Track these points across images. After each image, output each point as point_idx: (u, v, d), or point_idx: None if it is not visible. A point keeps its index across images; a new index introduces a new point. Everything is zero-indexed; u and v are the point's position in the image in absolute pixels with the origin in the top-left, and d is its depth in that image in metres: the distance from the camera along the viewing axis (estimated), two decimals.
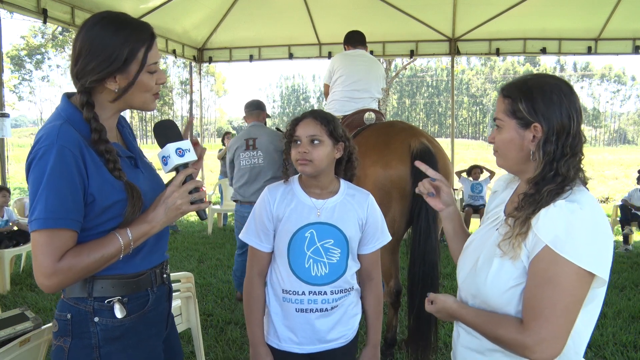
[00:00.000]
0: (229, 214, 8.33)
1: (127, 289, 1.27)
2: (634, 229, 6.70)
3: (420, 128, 3.58)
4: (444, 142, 4.19)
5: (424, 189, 1.45)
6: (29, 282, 4.80)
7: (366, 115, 3.63)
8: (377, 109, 3.86)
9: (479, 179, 7.24)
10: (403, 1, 6.87)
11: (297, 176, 1.68)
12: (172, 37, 7.37)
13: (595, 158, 28.95)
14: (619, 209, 6.95)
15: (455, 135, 8.78)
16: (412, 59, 11.88)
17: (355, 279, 1.70)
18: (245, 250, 4.06)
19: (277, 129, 4.77)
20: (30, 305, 4.12)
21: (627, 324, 3.79)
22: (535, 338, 1.04)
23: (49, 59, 43.56)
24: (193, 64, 8.73)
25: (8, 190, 5.12)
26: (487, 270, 1.16)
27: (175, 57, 7.96)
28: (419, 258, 2.86)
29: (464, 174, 7.39)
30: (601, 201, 12.41)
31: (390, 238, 1.75)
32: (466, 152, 29.37)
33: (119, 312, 1.24)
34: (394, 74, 17.03)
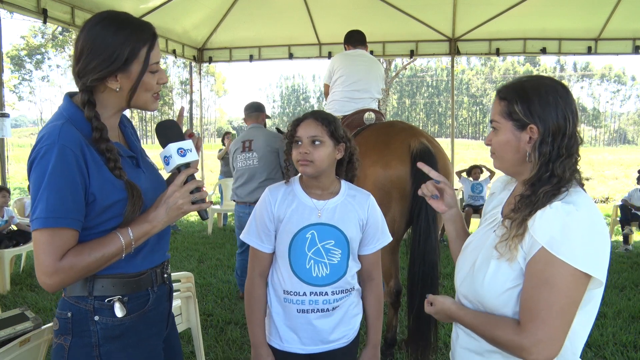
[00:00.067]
0: (229, 214, 8.33)
1: (127, 288, 1.27)
2: (634, 229, 6.70)
3: (420, 128, 3.58)
4: (444, 142, 4.20)
5: (427, 191, 1.45)
6: (29, 282, 4.80)
7: (366, 115, 3.63)
8: (377, 109, 3.86)
9: (479, 179, 7.24)
10: (403, 1, 6.87)
11: (297, 177, 1.68)
12: (172, 37, 7.37)
13: (595, 158, 28.95)
14: (619, 209, 6.95)
15: (455, 135, 8.78)
16: (412, 59, 11.89)
17: (356, 279, 1.70)
18: (245, 249, 4.09)
19: (277, 129, 4.78)
20: (30, 305, 4.12)
21: (627, 324, 3.79)
22: (532, 339, 1.04)
23: (49, 59, 43.59)
24: (193, 64, 8.74)
25: (8, 191, 5.12)
26: (484, 272, 1.16)
27: (175, 57, 7.96)
28: (419, 258, 2.86)
29: (464, 174, 7.40)
30: (601, 201, 12.43)
31: (391, 239, 1.75)
32: (466, 152, 29.37)
33: (119, 311, 1.24)
34: (394, 74, 17.04)
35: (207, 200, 1.30)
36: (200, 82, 9.26)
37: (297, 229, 1.59)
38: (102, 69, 1.20)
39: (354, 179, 1.73)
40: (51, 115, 1.28)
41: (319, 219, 1.60)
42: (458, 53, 7.64)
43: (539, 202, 1.09)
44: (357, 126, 3.47)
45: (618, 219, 6.88)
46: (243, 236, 1.68)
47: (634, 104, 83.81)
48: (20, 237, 5.08)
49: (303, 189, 1.64)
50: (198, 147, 1.39)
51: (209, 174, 14.55)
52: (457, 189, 7.66)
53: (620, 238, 6.75)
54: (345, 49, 4.08)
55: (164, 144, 1.30)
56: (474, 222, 6.93)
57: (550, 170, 1.11)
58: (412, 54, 7.92)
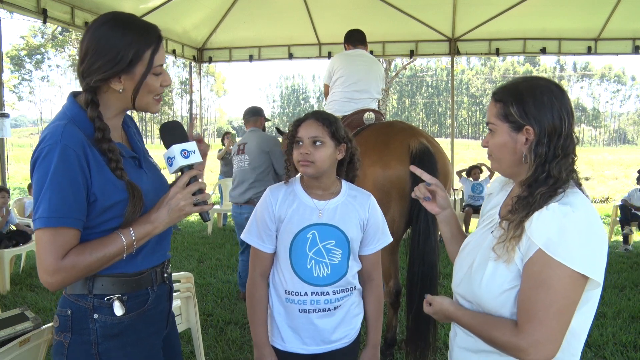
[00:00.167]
0: (228, 214, 8.34)
1: (127, 287, 1.28)
2: (634, 229, 6.70)
3: (420, 128, 3.58)
4: (443, 142, 4.20)
5: (420, 193, 1.46)
6: (28, 282, 4.81)
7: (366, 115, 3.63)
8: (377, 109, 3.85)
9: (479, 179, 7.24)
10: (403, 1, 6.87)
11: (298, 177, 1.68)
12: (172, 37, 7.37)
13: (595, 158, 28.97)
14: (618, 209, 6.95)
15: (455, 135, 8.79)
16: (412, 59, 11.89)
17: (357, 279, 1.70)
18: (245, 248, 4.12)
19: (277, 129, 4.80)
20: (30, 305, 4.12)
21: (627, 324, 3.79)
22: (529, 340, 1.05)
23: (48, 59, 43.60)
24: (193, 64, 8.73)
25: (7, 191, 5.11)
26: (481, 273, 1.16)
27: (175, 57, 7.96)
28: (418, 258, 2.86)
29: (464, 174, 7.40)
30: (601, 201, 12.42)
31: (391, 239, 1.75)
32: (466, 152, 29.38)
33: (118, 310, 1.25)
34: (393, 74, 17.03)
35: (209, 202, 1.31)
36: (200, 82, 9.25)
37: (298, 229, 1.59)
38: (106, 69, 1.20)
39: (354, 179, 1.73)
40: (51, 115, 1.29)
41: (319, 219, 1.60)
42: (458, 53, 7.65)
43: (536, 204, 1.09)
44: (356, 126, 3.47)
45: (618, 219, 6.88)
46: (244, 236, 1.68)
47: (634, 104, 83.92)
48: (20, 237, 5.08)
49: (304, 189, 1.64)
50: (205, 154, 1.39)
51: (209, 174, 14.55)
52: (457, 189, 7.67)
53: (620, 238, 6.75)
54: (345, 49, 4.08)
55: (167, 145, 1.30)
56: (474, 222, 6.93)
57: (546, 171, 1.11)
58: (412, 54, 7.93)
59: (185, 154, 1.29)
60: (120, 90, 1.24)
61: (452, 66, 8.13)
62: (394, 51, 8.00)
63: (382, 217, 1.72)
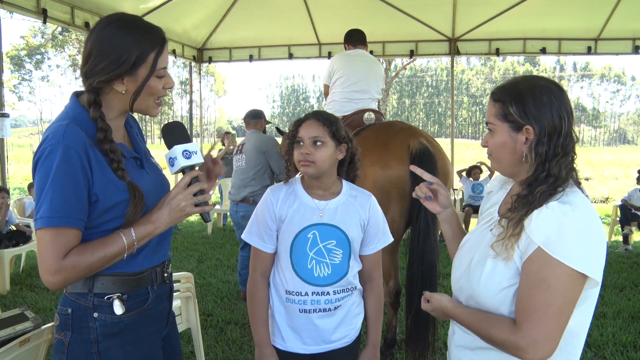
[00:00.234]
0: (228, 214, 8.34)
1: (127, 286, 1.28)
2: (633, 229, 6.70)
3: (420, 128, 3.58)
4: (443, 142, 4.20)
5: (421, 192, 1.46)
6: (28, 282, 4.80)
7: (366, 115, 3.63)
8: (377, 109, 3.86)
9: (480, 179, 7.24)
10: (403, 1, 6.87)
11: (299, 177, 1.68)
12: (172, 37, 7.37)
13: (595, 158, 28.97)
14: (618, 209, 6.95)
15: (455, 135, 8.79)
16: (412, 59, 11.89)
17: (358, 279, 1.70)
18: (245, 244, 4.13)
19: (277, 128, 4.81)
20: (30, 305, 4.12)
21: (627, 324, 3.79)
22: (527, 339, 1.05)
23: (48, 59, 43.60)
24: (193, 64, 8.74)
25: (7, 192, 5.10)
26: (480, 271, 1.16)
27: (175, 57, 7.96)
28: (418, 258, 2.86)
29: (464, 174, 7.40)
30: (601, 201, 12.42)
31: (392, 239, 1.75)
32: (466, 152, 29.37)
33: (118, 309, 1.25)
34: (393, 74, 17.03)
35: (210, 203, 1.31)
36: (200, 82, 9.26)
37: (299, 229, 1.59)
38: (110, 71, 1.21)
39: (355, 179, 1.73)
40: (51, 115, 1.30)
41: (320, 219, 1.60)
42: (458, 53, 7.65)
43: (536, 202, 1.09)
44: (356, 126, 3.47)
45: (618, 219, 6.88)
46: (244, 236, 1.68)
47: (634, 104, 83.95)
48: (20, 237, 5.08)
49: (305, 189, 1.64)
50: (217, 175, 1.40)
51: None
52: (457, 189, 7.67)
53: (620, 238, 6.75)
54: (345, 49, 4.08)
55: (169, 145, 1.31)
56: (474, 222, 6.92)
57: (546, 169, 1.11)
58: (412, 54, 7.93)
59: (187, 154, 1.29)
60: (123, 92, 1.25)
61: (452, 66, 8.13)
62: (394, 51, 8.00)
63: (382, 217, 1.72)
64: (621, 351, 3.29)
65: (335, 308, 1.63)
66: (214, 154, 7.72)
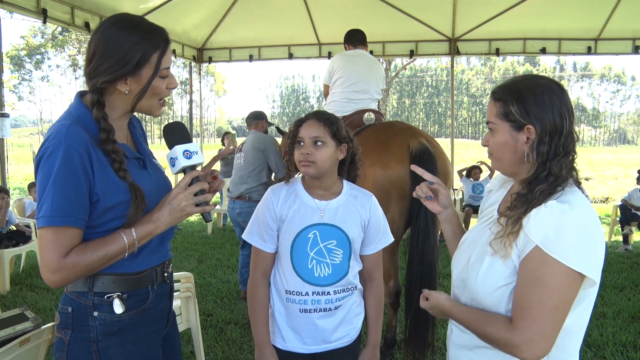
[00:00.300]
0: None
1: (127, 285, 1.28)
2: (633, 229, 6.70)
3: (420, 128, 3.58)
4: (443, 142, 4.20)
5: (422, 192, 1.46)
6: (28, 282, 4.80)
7: (365, 115, 3.62)
8: (377, 109, 3.85)
9: (480, 179, 7.24)
10: (403, 1, 6.87)
11: (300, 177, 1.68)
12: (172, 37, 7.18)
13: (595, 158, 28.97)
14: (618, 209, 6.95)
15: (455, 135, 8.79)
16: (412, 59, 11.88)
17: (358, 278, 1.70)
18: (245, 242, 4.14)
19: (277, 128, 4.81)
20: (30, 305, 4.12)
21: (627, 324, 3.79)
22: (522, 337, 1.05)
23: (48, 59, 43.65)
24: (193, 64, 8.74)
25: (7, 192, 5.09)
26: (478, 268, 1.17)
27: (175, 57, 7.97)
28: (417, 258, 2.86)
29: (464, 173, 7.39)
30: (601, 201, 12.42)
31: (392, 239, 1.75)
32: (466, 152, 29.39)
33: (118, 308, 1.26)
34: (393, 74, 17.02)
35: (210, 203, 1.31)
36: (200, 82, 9.26)
37: (300, 229, 1.59)
38: (113, 71, 1.21)
39: (356, 179, 1.73)
40: (51, 115, 1.31)
41: (321, 219, 1.60)
42: (458, 53, 7.64)
43: (535, 201, 1.09)
44: (356, 126, 3.47)
45: (618, 219, 6.88)
46: (245, 236, 1.68)
47: (634, 104, 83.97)
48: (20, 237, 5.08)
49: (305, 189, 1.64)
50: (217, 190, 1.39)
51: None
52: (457, 189, 7.66)
53: (620, 238, 6.75)
54: (345, 49, 4.08)
55: (170, 145, 1.31)
56: (474, 222, 6.92)
57: (547, 169, 1.11)
58: (412, 54, 7.92)
59: (188, 154, 1.29)
60: (126, 92, 1.26)
61: (452, 66, 8.13)
62: (394, 51, 8.00)
63: (383, 217, 1.72)
64: (621, 351, 3.29)
65: (336, 308, 1.63)
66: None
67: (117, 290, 1.27)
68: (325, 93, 4.07)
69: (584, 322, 1.15)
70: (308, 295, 1.60)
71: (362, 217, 1.65)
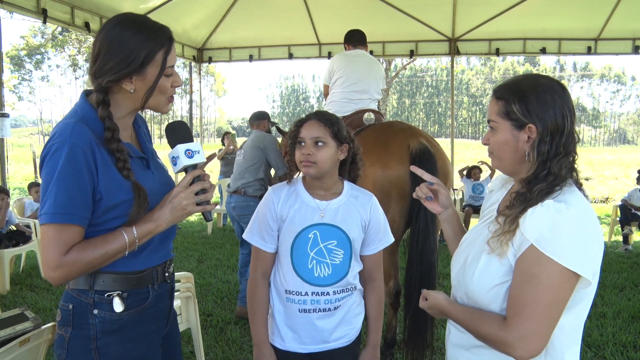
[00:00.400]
0: None
1: (127, 284, 1.29)
2: (633, 229, 6.71)
3: (420, 128, 3.58)
4: (443, 142, 4.20)
5: (422, 193, 1.46)
6: (28, 282, 4.81)
7: (365, 115, 3.63)
8: (377, 110, 3.85)
9: (480, 179, 7.24)
10: (403, 1, 6.87)
11: (300, 177, 1.68)
12: None
13: (595, 158, 28.97)
14: (618, 209, 6.95)
15: (455, 135, 8.79)
16: (412, 59, 11.89)
17: (358, 279, 1.70)
18: (243, 243, 4.14)
19: (277, 128, 4.81)
20: (30, 305, 4.12)
21: (627, 324, 3.79)
22: (516, 335, 1.05)
23: (48, 59, 43.62)
24: (193, 64, 8.73)
25: (7, 193, 5.08)
26: (474, 266, 1.17)
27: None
28: (417, 258, 2.86)
29: (464, 173, 7.39)
30: (601, 201, 12.42)
31: (393, 240, 1.75)
32: (466, 152, 29.39)
33: (117, 306, 1.26)
34: (393, 74, 17.02)
35: (211, 202, 1.32)
36: (200, 82, 9.25)
37: (300, 229, 1.59)
38: (118, 70, 1.22)
39: (356, 180, 1.73)
40: (51, 115, 1.32)
41: (321, 219, 1.60)
42: (458, 53, 7.65)
43: (533, 200, 1.10)
44: (356, 127, 3.47)
45: (618, 219, 6.88)
46: (245, 236, 1.68)
47: (634, 104, 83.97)
48: (20, 237, 5.07)
49: (306, 189, 1.64)
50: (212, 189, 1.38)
51: (209, 174, 14.53)
52: (457, 189, 7.66)
53: (620, 238, 6.75)
54: (345, 49, 4.08)
55: (172, 144, 1.32)
56: (474, 222, 6.92)
57: (547, 168, 1.11)
58: (412, 54, 7.93)
59: (189, 153, 1.30)
60: (132, 91, 1.26)
61: (452, 66, 8.13)
62: (394, 51, 8.00)
63: (383, 218, 1.72)
64: (621, 351, 3.29)
65: (335, 308, 1.63)
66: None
67: (117, 289, 1.27)
68: (325, 93, 4.07)
69: (580, 323, 1.15)
70: (307, 295, 1.60)
71: (362, 217, 1.65)
